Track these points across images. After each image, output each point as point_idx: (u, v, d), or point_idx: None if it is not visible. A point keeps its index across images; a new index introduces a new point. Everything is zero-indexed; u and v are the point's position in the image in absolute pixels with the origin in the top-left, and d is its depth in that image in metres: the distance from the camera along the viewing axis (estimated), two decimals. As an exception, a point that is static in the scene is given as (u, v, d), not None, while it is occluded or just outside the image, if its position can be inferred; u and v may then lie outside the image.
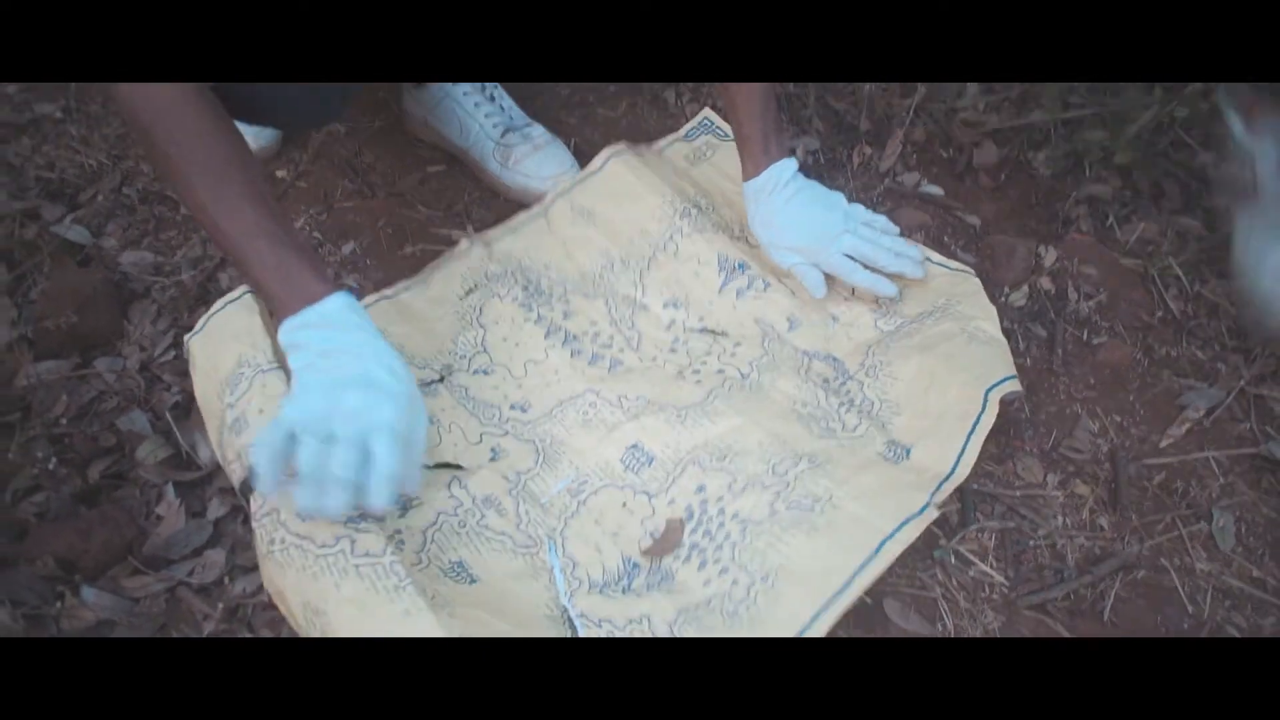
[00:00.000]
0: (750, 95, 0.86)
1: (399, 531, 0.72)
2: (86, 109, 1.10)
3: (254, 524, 0.64)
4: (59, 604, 0.65)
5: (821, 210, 0.88)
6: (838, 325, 0.90)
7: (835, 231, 0.87)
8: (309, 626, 0.61)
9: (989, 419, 0.76)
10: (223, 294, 0.90)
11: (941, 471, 0.75)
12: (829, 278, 0.89)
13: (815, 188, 0.90)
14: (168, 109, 0.64)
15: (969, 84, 1.06)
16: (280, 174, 1.03)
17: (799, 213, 0.88)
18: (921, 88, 1.10)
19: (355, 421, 0.62)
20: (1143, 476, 0.82)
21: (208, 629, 0.66)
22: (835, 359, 0.87)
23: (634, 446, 0.80)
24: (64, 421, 0.76)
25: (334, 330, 0.66)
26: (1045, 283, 0.96)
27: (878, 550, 0.70)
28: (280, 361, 0.73)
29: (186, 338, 0.76)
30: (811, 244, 0.88)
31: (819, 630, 0.67)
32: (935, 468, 0.76)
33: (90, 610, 0.65)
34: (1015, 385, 0.79)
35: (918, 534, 0.71)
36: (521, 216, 0.98)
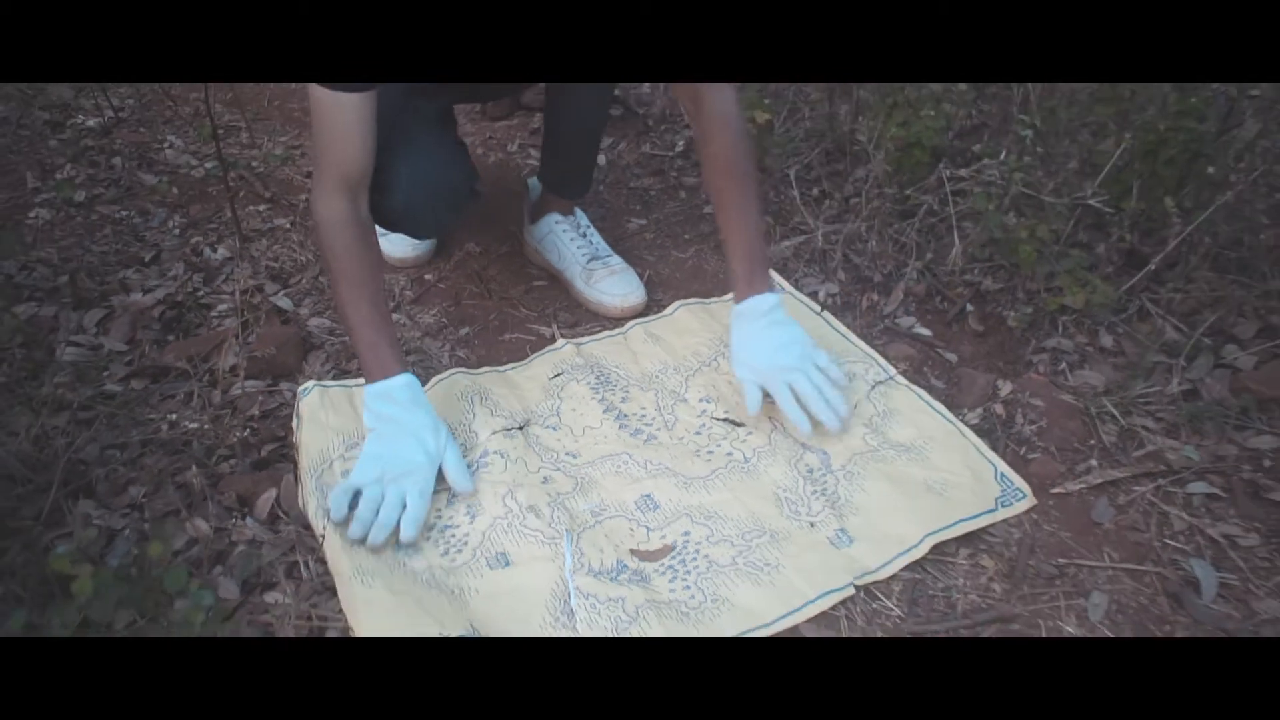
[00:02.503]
0: (740, 239, 1.14)
1: (468, 535, 1.03)
2: (305, 224, 1.57)
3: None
4: (232, 523, 1.00)
5: (783, 345, 1.14)
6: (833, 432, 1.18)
7: (787, 365, 1.12)
8: (361, 585, 0.92)
9: (919, 553, 1.01)
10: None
11: (869, 567, 1.01)
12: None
13: (789, 325, 1.16)
14: (340, 231, 1.05)
15: (959, 252, 1.34)
16: (428, 276, 1.45)
17: (764, 341, 1.14)
18: (928, 253, 1.39)
19: (397, 484, 1.00)
20: (1042, 561, 1.02)
21: (315, 557, 0.98)
22: (825, 453, 1.14)
23: (647, 495, 1.09)
24: (255, 417, 1.15)
25: (395, 406, 1.04)
26: (998, 409, 1.20)
27: (799, 609, 0.97)
28: None
29: (310, 384, 1.15)
30: (765, 368, 1.13)
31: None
32: (866, 563, 1.01)
33: (250, 530, 0.99)
34: (954, 533, 1.03)
35: (834, 603, 0.97)
36: (605, 334, 1.34)
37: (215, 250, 1.48)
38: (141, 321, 1.31)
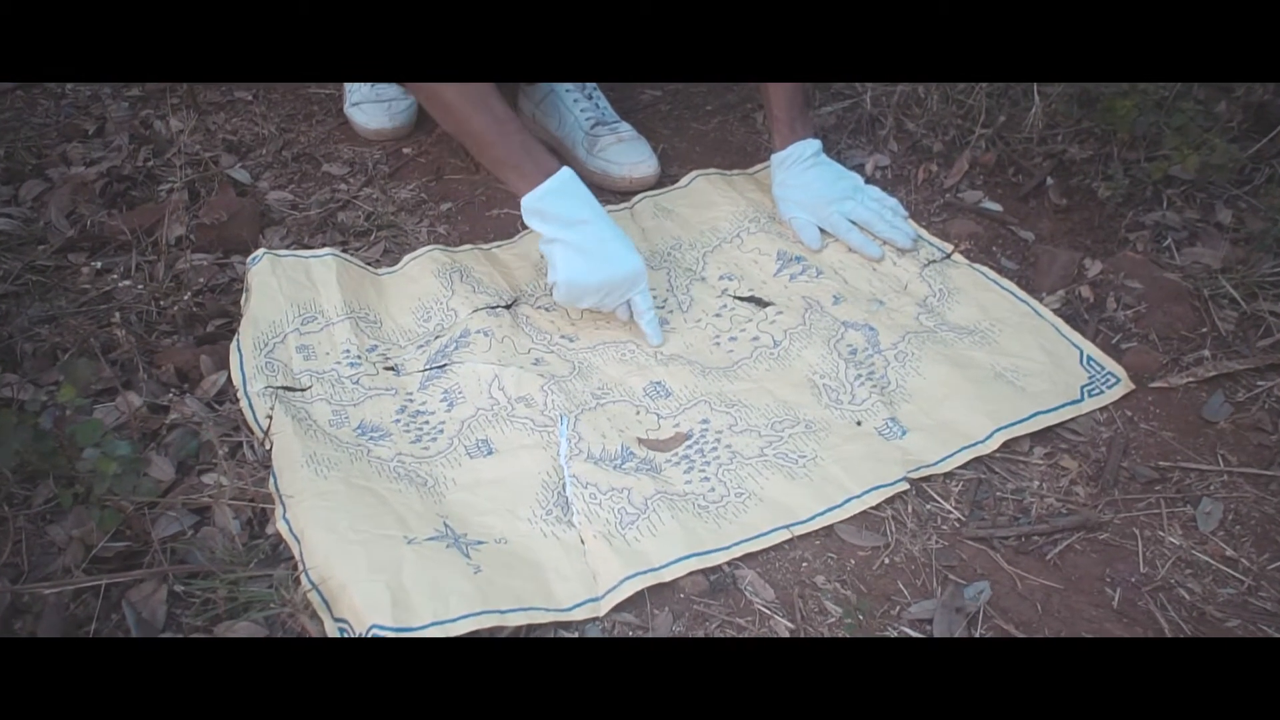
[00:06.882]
0: (781, 85, 1.09)
1: (444, 423, 0.93)
2: (270, 96, 1.47)
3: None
4: (170, 396, 0.91)
5: (831, 179, 1.09)
6: (882, 308, 1.06)
7: (839, 196, 1.08)
8: (313, 475, 0.83)
9: (987, 449, 0.90)
10: (339, 228, 1.19)
11: (926, 461, 0.89)
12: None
13: (833, 165, 1.11)
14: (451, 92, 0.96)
15: (1038, 114, 1.20)
16: (406, 150, 1.34)
17: (811, 179, 1.09)
18: (1000, 116, 1.25)
19: (617, 290, 0.98)
20: (1138, 464, 0.90)
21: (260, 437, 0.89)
22: (872, 330, 1.02)
23: (658, 383, 0.98)
24: (203, 289, 1.05)
25: (571, 200, 0.97)
26: (1085, 291, 1.07)
27: (842, 504, 0.85)
28: (349, 315, 1.02)
29: (260, 252, 1.05)
30: (816, 203, 1.09)
31: (767, 541, 0.82)
32: (922, 457, 0.89)
33: (189, 408, 0.90)
34: (1030, 428, 0.91)
35: (884, 499, 0.85)
36: (609, 209, 1.22)
37: (167, 122, 1.38)
38: (83, 195, 1.22)
